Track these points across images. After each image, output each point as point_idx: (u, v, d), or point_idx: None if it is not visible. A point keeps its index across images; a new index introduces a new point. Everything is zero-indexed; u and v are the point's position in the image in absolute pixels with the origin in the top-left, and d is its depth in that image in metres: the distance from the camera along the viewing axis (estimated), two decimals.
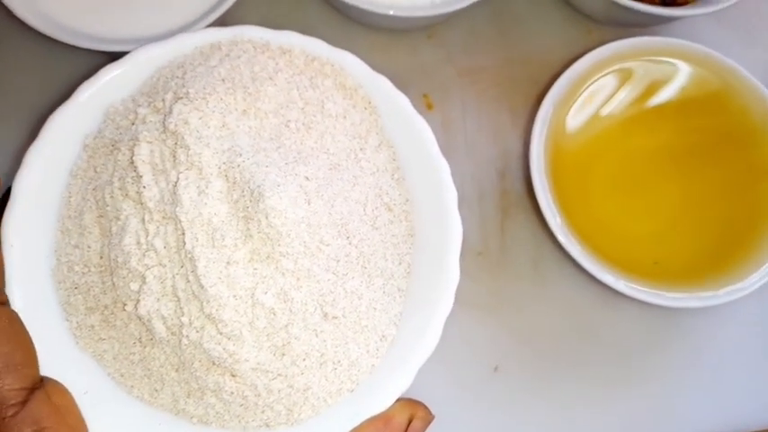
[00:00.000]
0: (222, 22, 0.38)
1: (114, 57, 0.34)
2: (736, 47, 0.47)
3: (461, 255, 0.41)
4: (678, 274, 0.38)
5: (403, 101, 0.35)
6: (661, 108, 0.40)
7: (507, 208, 0.43)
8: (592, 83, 0.40)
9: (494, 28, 0.47)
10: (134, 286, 0.29)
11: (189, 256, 0.28)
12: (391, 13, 0.40)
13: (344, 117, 0.34)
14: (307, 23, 0.45)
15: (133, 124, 0.31)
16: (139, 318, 0.29)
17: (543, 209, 0.36)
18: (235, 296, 0.28)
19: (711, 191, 0.39)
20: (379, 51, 0.45)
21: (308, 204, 0.30)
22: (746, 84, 0.39)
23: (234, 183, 0.29)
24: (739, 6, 0.46)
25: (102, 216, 0.31)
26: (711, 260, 0.38)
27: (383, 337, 0.32)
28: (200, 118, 0.30)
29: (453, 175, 0.44)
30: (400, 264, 0.34)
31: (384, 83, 0.35)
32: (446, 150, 0.44)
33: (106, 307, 0.30)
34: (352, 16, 0.44)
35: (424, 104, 0.45)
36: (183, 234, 0.28)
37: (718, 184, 0.39)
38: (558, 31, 0.47)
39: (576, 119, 0.40)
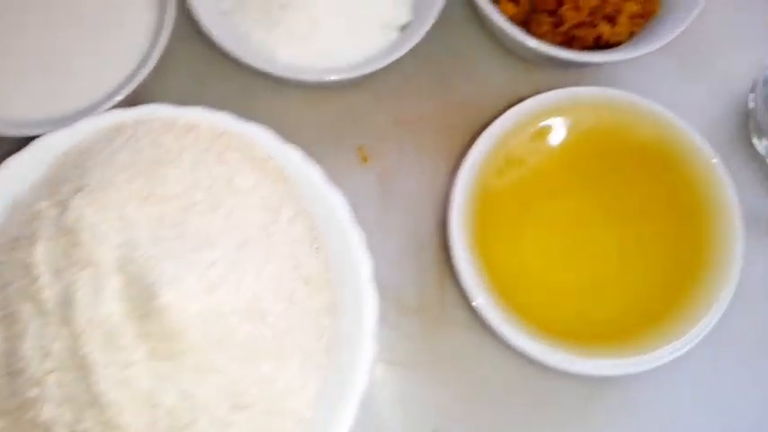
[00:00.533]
0: (133, 99, 0.38)
1: (24, 142, 0.33)
2: (678, 82, 0.46)
3: (399, 310, 0.41)
4: (603, 331, 0.37)
5: (314, 172, 0.34)
6: (591, 158, 0.39)
7: (447, 261, 0.42)
8: (517, 137, 0.39)
9: (429, 73, 0.45)
10: (33, 393, 0.28)
11: (84, 361, 0.28)
12: (331, 78, 0.38)
13: (255, 190, 0.33)
14: (227, 91, 0.44)
15: (32, 220, 0.31)
16: (43, 425, 0.28)
17: (459, 272, 0.35)
18: (133, 399, 0.28)
19: (642, 246, 0.37)
20: (311, 103, 0.44)
21: (211, 293, 0.29)
22: (681, 133, 0.38)
23: (131, 279, 0.29)
24: (682, 41, 0.45)
25: (5, 317, 0.30)
26: (636, 319, 0.37)
27: (300, 420, 0.32)
28: (97, 212, 0.29)
29: (390, 228, 0.43)
30: (319, 339, 0.33)
31: (295, 154, 0.34)
32: (383, 204, 0.44)
33: (12, 412, 0.30)
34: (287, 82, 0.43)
35: (359, 157, 0.44)
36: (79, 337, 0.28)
37: (649, 239, 0.37)
38: (498, 73, 0.45)
39: (503, 175, 0.38)
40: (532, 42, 0.38)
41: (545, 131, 0.39)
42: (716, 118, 0.46)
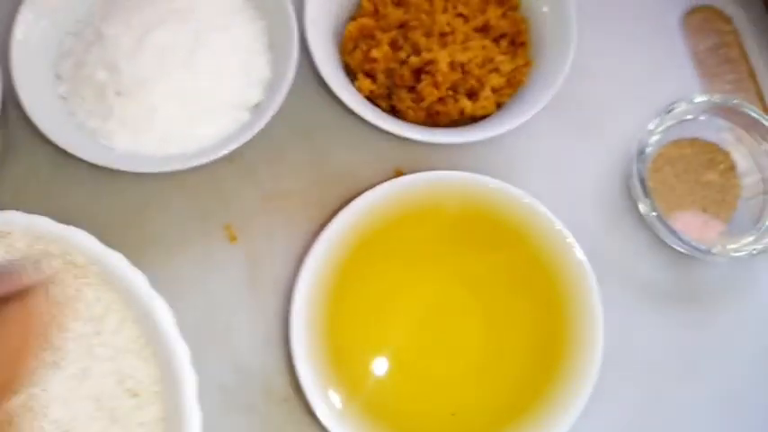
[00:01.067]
0: None
1: None
2: (564, 145, 0.44)
3: (266, 399, 0.38)
4: (477, 427, 0.35)
5: (138, 279, 0.32)
6: (455, 243, 0.37)
7: None
8: (375, 220, 0.37)
9: (300, 148, 0.43)
10: None
11: None
12: (167, 168, 0.36)
13: (77, 300, 0.32)
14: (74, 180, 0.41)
15: None
16: None
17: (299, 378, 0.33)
18: None
19: (511, 336, 0.36)
20: (179, 184, 0.42)
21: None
22: (543, 218, 0.36)
23: None
24: (568, 104, 0.43)
25: None
26: (509, 413, 0.35)
27: None
28: None
29: (258, 311, 0.41)
30: None
31: (119, 260, 0.32)
32: (251, 285, 0.42)
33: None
34: None
35: (227, 237, 0.42)
36: None
37: (518, 327, 0.36)
38: (372, 144, 0.43)
39: (359, 260, 0.37)
40: (384, 124, 0.36)
41: (406, 213, 0.37)
42: (604, 182, 0.44)
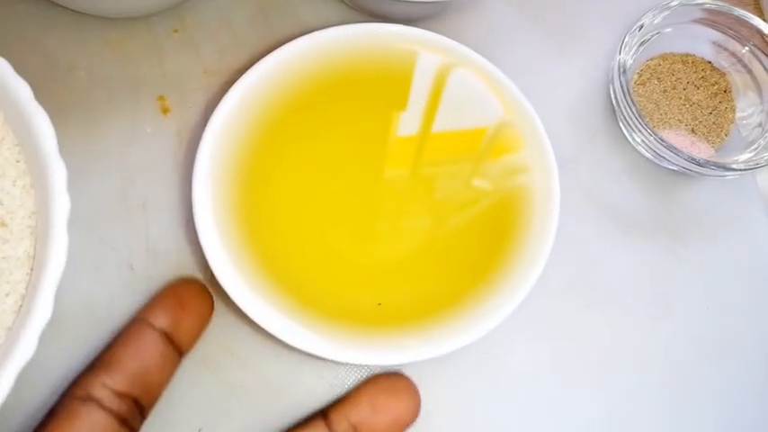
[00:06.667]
0: None
1: None
2: (545, 56, 0.40)
3: None
4: (400, 317, 0.30)
5: (23, 90, 0.28)
6: (394, 112, 0.32)
7: None
8: (285, 89, 0.32)
9: (252, 22, 0.40)
10: None
11: None
12: None
13: None
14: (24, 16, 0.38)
15: None
16: None
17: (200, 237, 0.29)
18: None
19: (456, 225, 0.31)
20: (114, 48, 0.39)
21: None
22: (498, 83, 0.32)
23: None
24: (550, 16, 0.39)
25: None
26: (437, 306, 0.30)
27: None
28: None
29: (180, 190, 0.36)
30: (8, 295, 0.27)
31: (4, 67, 0.28)
32: (177, 161, 0.38)
33: None
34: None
35: (159, 108, 0.38)
36: None
37: (464, 217, 0.31)
38: (325, 18, 0.39)
39: (276, 136, 0.32)
40: None
41: (334, 74, 0.33)
42: (585, 99, 0.40)
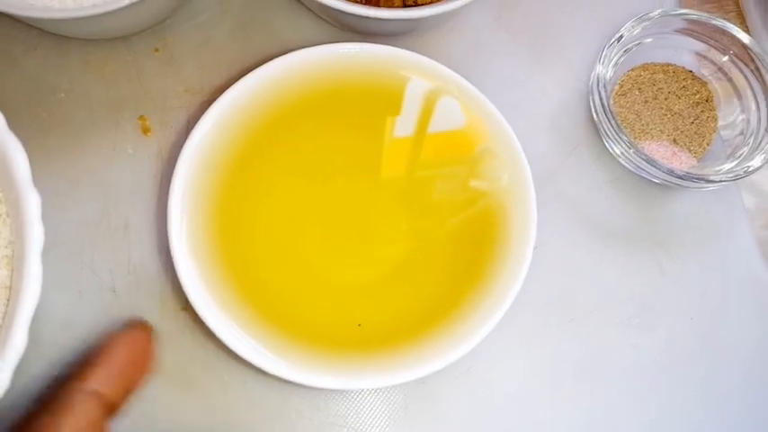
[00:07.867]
0: None
1: None
2: (526, 68, 0.40)
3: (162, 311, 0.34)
4: (381, 339, 0.30)
5: None
6: (375, 134, 0.32)
7: None
8: (265, 108, 0.32)
9: (233, 39, 0.40)
10: None
11: None
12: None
13: None
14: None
15: None
16: None
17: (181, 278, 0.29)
18: None
19: (436, 246, 0.31)
20: (95, 68, 0.39)
21: None
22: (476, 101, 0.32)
23: None
24: (529, 26, 0.39)
25: None
26: (418, 327, 0.30)
27: None
28: None
29: (162, 211, 0.36)
30: None
31: None
32: (158, 182, 0.37)
33: None
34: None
35: (140, 128, 0.38)
36: None
37: (444, 237, 0.31)
38: (309, 39, 0.39)
39: (254, 156, 0.32)
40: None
41: (318, 91, 0.33)
42: (567, 111, 0.40)
